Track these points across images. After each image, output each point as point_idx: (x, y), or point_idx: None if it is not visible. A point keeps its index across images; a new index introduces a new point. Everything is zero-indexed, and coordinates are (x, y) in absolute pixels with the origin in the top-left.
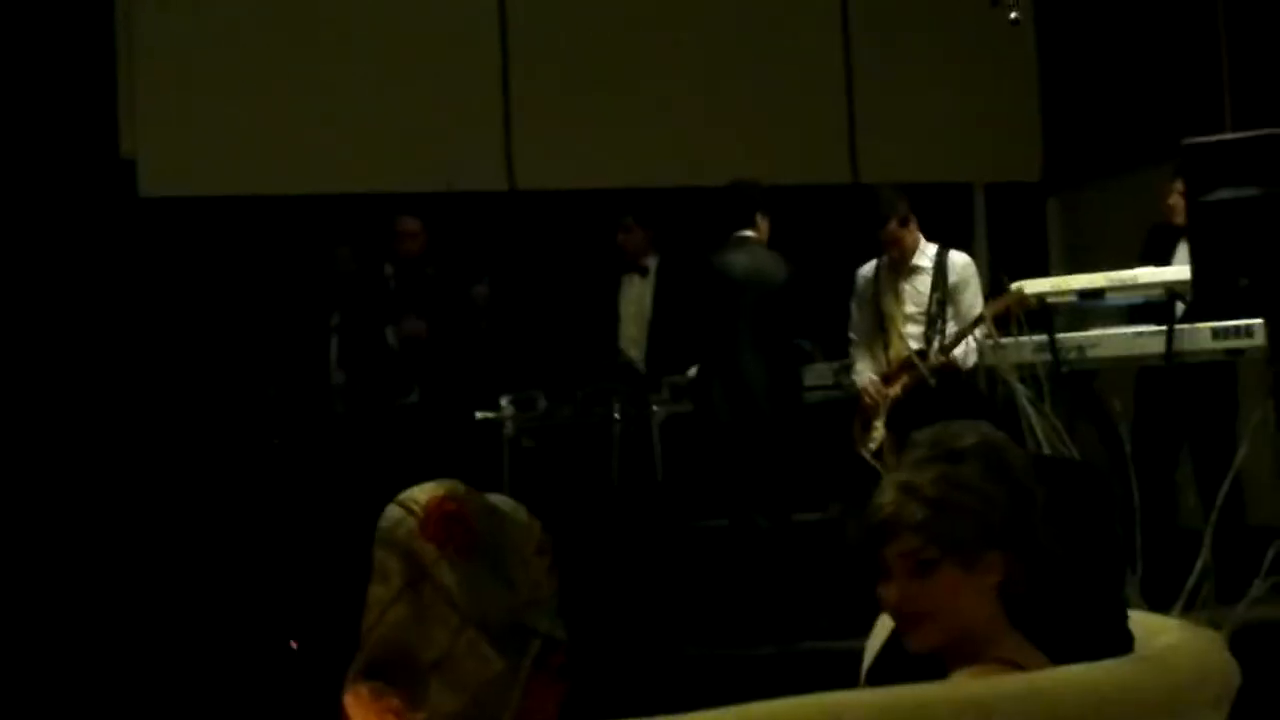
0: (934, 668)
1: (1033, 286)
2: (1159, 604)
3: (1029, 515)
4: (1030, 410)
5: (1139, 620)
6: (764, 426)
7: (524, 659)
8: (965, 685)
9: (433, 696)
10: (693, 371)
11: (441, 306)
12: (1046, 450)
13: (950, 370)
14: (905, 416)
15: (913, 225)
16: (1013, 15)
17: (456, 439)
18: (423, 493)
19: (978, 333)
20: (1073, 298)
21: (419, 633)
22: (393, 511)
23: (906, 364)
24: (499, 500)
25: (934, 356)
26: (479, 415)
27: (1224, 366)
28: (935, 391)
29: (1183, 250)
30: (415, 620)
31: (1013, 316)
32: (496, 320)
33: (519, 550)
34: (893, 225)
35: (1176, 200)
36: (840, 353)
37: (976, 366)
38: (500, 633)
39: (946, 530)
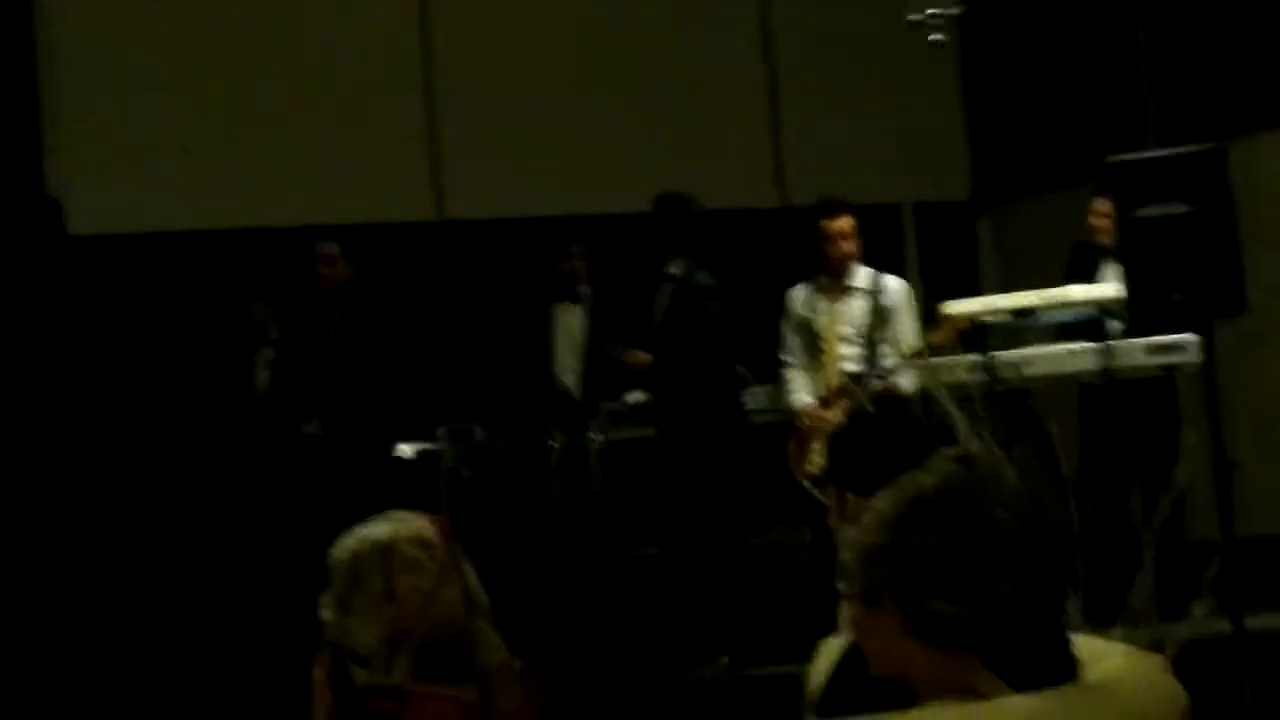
0: (893, 693)
1: (965, 306)
2: (1102, 621)
3: (945, 561)
4: (964, 432)
5: (1082, 645)
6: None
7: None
8: (906, 718)
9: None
10: (634, 397)
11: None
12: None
13: (889, 395)
14: (845, 445)
15: (855, 236)
16: (934, 37)
17: (381, 471)
18: (395, 514)
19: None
20: (1006, 317)
21: (464, 615)
22: (379, 528)
23: (844, 389)
24: None
25: (873, 384)
26: (413, 447)
27: (1163, 381)
28: (874, 418)
29: (1108, 268)
30: (463, 602)
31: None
32: (346, 344)
33: None
34: (846, 218)
35: (1099, 220)
36: (772, 376)
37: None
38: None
39: (856, 575)
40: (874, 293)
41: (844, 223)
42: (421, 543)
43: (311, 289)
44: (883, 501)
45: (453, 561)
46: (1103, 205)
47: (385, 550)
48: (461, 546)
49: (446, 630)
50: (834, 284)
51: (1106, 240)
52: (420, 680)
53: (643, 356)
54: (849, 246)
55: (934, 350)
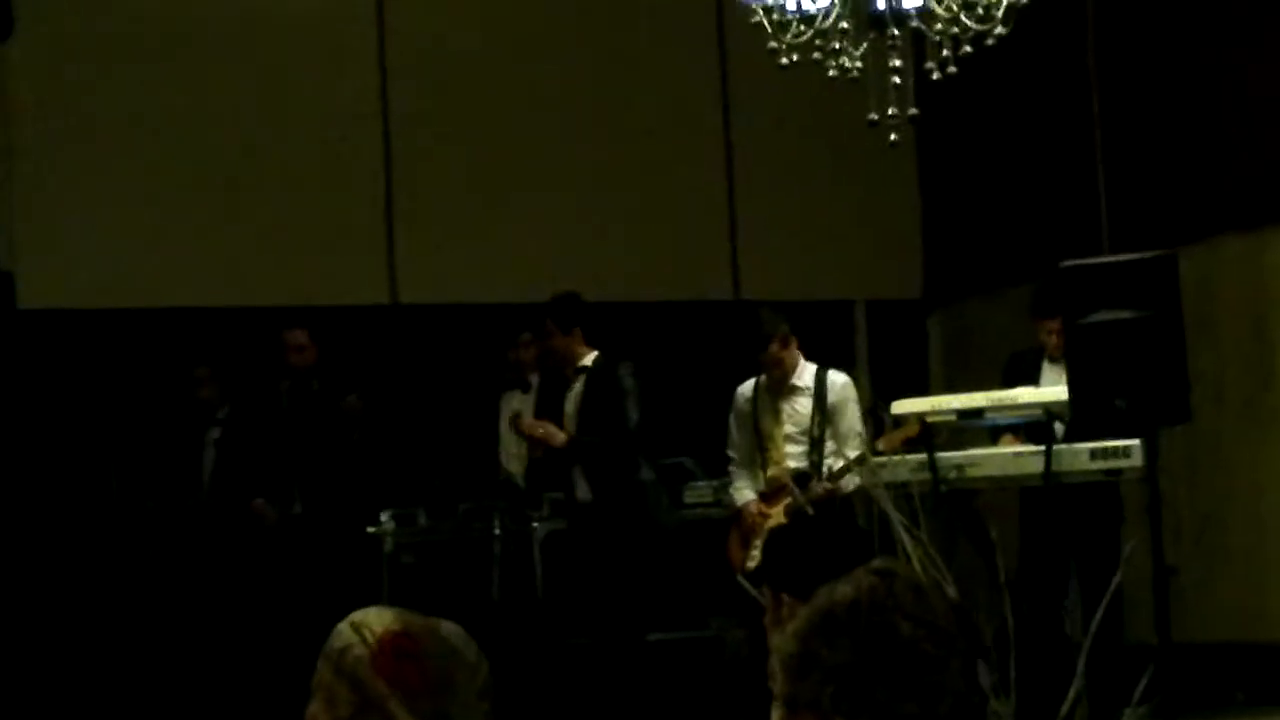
0: None
1: (912, 406)
2: None
3: (865, 675)
4: (905, 536)
5: None
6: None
7: None
8: None
9: None
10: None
11: (325, 420)
12: (921, 577)
13: (830, 498)
14: (782, 546)
15: (793, 345)
16: (892, 137)
17: (340, 553)
18: (379, 620)
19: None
20: (952, 417)
21: None
22: (345, 633)
23: (786, 488)
24: (451, 633)
25: (817, 487)
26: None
27: (1106, 486)
28: (813, 521)
29: (1046, 374)
30: None
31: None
32: (369, 431)
33: (464, 692)
34: (774, 347)
35: (1051, 337)
36: (720, 470)
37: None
38: None
39: (779, 680)
40: (819, 390)
41: (774, 349)
42: (345, 675)
43: (279, 374)
44: (804, 610)
45: (375, 708)
46: (1053, 323)
47: (326, 656)
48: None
49: None
50: (779, 383)
51: (1059, 354)
52: None
53: (547, 429)
54: (781, 367)
55: (880, 455)
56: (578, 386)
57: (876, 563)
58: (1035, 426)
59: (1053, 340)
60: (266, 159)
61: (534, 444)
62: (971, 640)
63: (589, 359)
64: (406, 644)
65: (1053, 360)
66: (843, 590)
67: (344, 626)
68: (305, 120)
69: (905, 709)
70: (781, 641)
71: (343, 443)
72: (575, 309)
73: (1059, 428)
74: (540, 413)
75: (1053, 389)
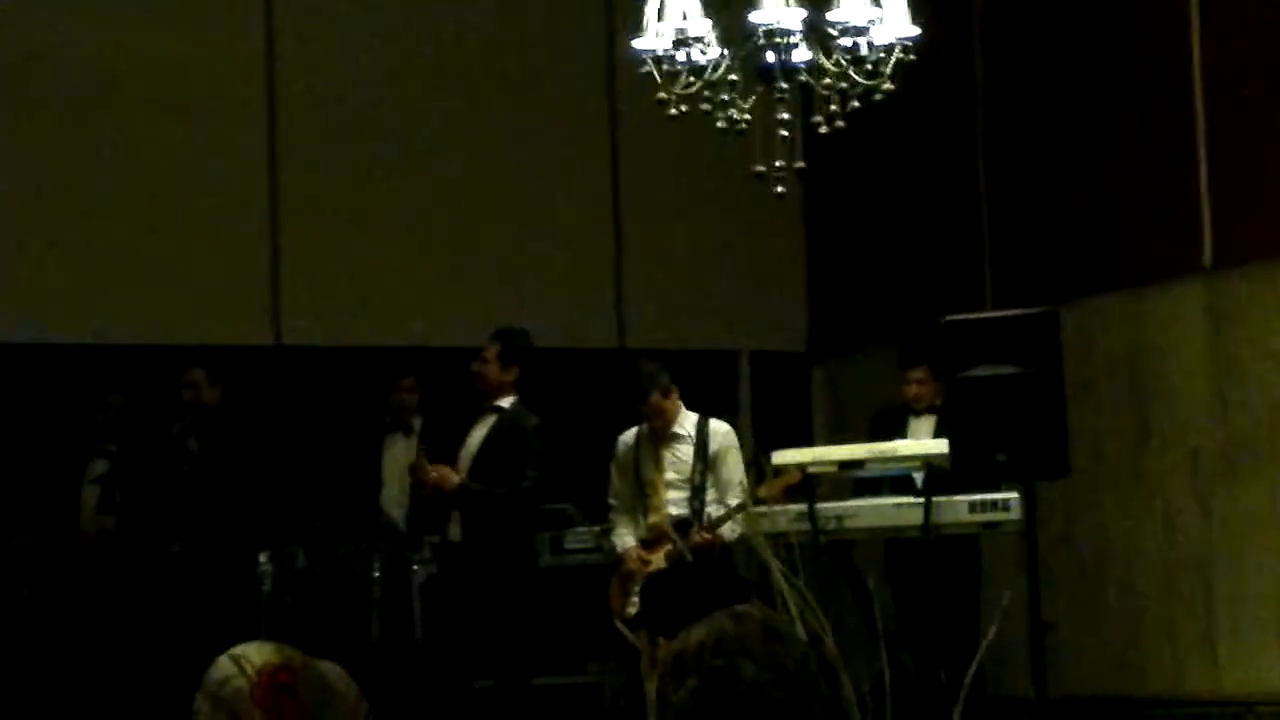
0: None
1: (795, 456)
2: None
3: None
4: (783, 584)
5: None
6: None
7: None
8: None
9: None
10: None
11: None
12: (799, 626)
13: (710, 545)
14: (659, 592)
15: (674, 395)
16: (779, 189)
17: (218, 592)
18: (259, 654)
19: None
20: (833, 468)
21: None
22: (224, 665)
23: (666, 535)
24: (330, 671)
25: (697, 535)
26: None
27: (967, 539)
28: (692, 568)
29: (913, 426)
30: None
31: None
32: (203, 468)
33: None
34: (654, 398)
35: (915, 388)
36: (601, 517)
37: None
38: None
39: None
40: (700, 439)
41: (655, 399)
42: (224, 706)
43: (176, 412)
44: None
45: None
46: (917, 373)
47: (204, 688)
48: (292, 711)
49: None
50: (661, 431)
51: (921, 406)
52: None
53: (442, 473)
54: (663, 417)
55: (760, 504)
56: (485, 426)
57: (739, 607)
58: (898, 480)
59: (912, 390)
60: (155, 197)
61: (426, 487)
62: (834, 689)
63: (508, 402)
64: (286, 678)
65: (916, 413)
66: (697, 632)
67: (224, 659)
68: (198, 162)
69: None
70: (650, 685)
71: (173, 478)
72: (523, 349)
73: (918, 479)
74: (430, 452)
75: (934, 442)
